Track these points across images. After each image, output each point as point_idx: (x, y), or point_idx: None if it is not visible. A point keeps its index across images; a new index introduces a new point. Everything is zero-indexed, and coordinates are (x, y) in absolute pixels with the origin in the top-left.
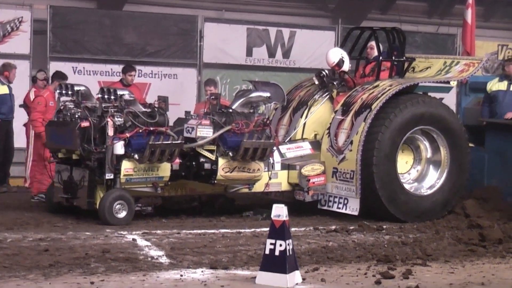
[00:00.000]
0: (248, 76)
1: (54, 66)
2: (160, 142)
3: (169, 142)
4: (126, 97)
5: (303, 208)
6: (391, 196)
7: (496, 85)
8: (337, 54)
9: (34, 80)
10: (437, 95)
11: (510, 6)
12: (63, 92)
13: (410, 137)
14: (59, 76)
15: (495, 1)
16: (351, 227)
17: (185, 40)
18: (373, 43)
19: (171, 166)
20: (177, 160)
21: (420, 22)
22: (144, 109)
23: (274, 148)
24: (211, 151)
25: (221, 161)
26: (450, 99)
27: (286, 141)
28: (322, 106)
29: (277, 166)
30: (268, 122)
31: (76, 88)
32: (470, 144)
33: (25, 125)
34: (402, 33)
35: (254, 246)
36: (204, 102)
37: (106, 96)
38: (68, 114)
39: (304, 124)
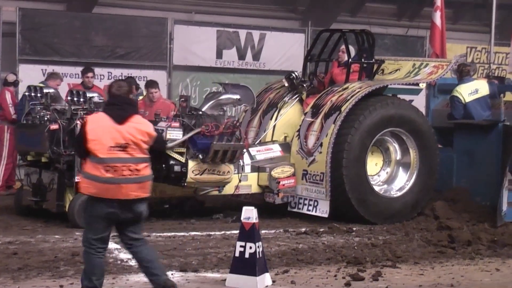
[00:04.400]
0: (218, 78)
1: (23, 69)
2: None
3: None
4: (96, 99)
5: (273, 211)
6: (361, 198)
7: None
8: None
9: (7, 83)
10: (407, 97)
11: (478, 8)
12: (33, 94)
13: (380, 139)
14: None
15: (463, 4)
16: (321, 229)
17: (155, 42)
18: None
19: None
20: None
21: (389, 25)
22: None
23: (244, 150)
24: (181, 154)
25: (191, 164)
26: (419, 101)
27: (256, 143)
28: (292, 108)
29: (247, 169)
30: (238, 124)
31: (45, 90)
32: (439, 146)
33: None
34: (371, 35)
35: (224, 249)
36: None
37: (75, 99)
38: (37, 116)
39: (274, 126)
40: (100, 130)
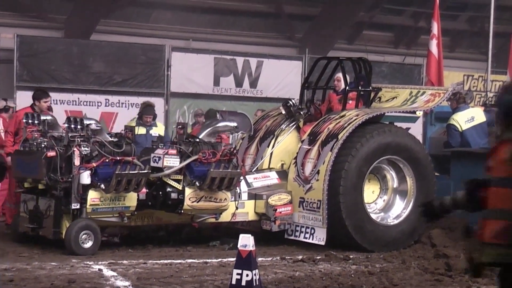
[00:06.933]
0: (215, 105)
1: (21, 95)
2: (126, 172)
3: (135, 171)
4: (93, 126)
5: (270, 238)
6: (357, 225)
7: None
8: None
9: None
10: (404, 125)
11: (475, 37)
12: (30, 121)
13: (377, 166)
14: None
15: (460, 32)
16: (318, 257)
17: (152, 69)
18: (340, 75)
19: (138, 195)
20: (144, 190)
21: (386, 52)
22: (110, 139)
23: (241, 177)
24: (177, 181)
25: (188, 191)
26: (416, 129)
27: (253, 170)
28: (289, 135)
29: (244, 196)
30: (235, 151)
31: (42, 117)
32: (436, 173)
33: None
34: (368, 63)
35: (220, 276)
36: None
37: (72, 126)
38: (34, 143)
39: (271, 153)
40: None
